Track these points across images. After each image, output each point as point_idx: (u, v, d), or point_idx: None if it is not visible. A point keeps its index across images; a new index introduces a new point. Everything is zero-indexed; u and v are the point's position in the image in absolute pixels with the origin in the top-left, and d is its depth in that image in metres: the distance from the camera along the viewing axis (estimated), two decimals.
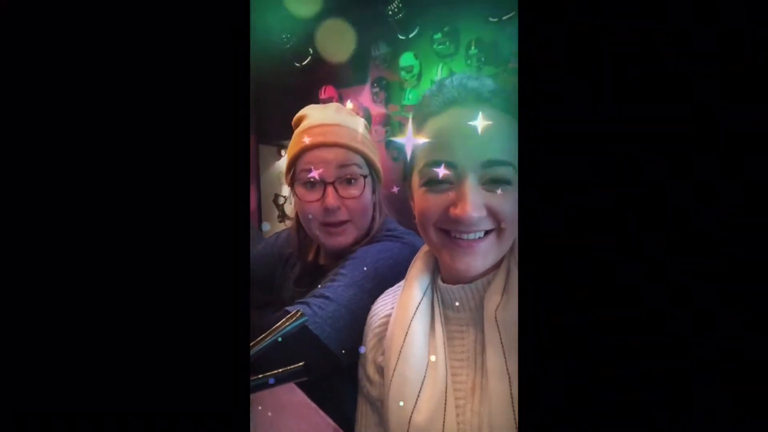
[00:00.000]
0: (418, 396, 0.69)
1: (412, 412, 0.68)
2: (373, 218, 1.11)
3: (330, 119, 1.08)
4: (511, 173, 0.67)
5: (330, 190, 1.04)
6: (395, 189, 1.08)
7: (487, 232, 0.68)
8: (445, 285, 0.75)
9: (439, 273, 0.78)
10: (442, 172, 0.67)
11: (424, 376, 0.70)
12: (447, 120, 0.69)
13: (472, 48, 2.51)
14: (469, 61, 2.54)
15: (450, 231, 0.68)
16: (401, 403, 0.69)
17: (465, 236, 0.67)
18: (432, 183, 0.68)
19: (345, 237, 1.07)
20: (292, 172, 1.10)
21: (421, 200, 0.71)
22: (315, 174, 1.04)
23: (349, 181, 1.05)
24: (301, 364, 0.57)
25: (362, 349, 0.85)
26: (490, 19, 2.47)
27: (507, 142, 0.67)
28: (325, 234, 1.07)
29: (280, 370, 0.57)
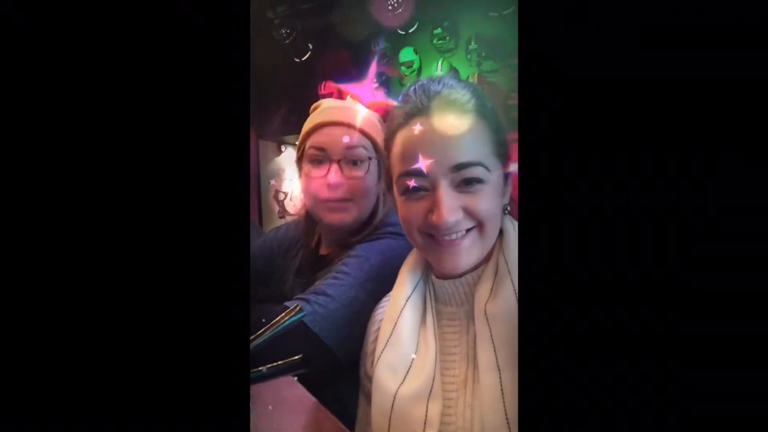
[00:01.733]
0: (401, 383, 0.71)
1: (394, 399, 0.70)
2: (376, 206, 1.11)
3: (343, 103, 1.12)
4: (482, 172, 0.69)
5: (335, 167, 1.05)
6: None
7: (468, 230, 0.70)
8: (437, 280, 0.77)
9: (432, 269, 0.80)
10: (413, 182, 0.70)
11: (410, 365, 0.72)
12: (412, 131, 0.71)
13: (472, 43, 2.50)
14: (469, 56, 2.54)
15: (433, 234, 0.71)
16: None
17: (447, 237, 0.70)
18: (408, 192, 0.71)
19: (346, 214, 1.07)
20: (302, 150, 1.12)
21: (402, 208, 0.74)
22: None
23: (354, 161, 1.06)
24: (298, 357, 0.57)
25: None
26: (491, 14, 2.46)
27: (475, 142, 0.69)
28: (325, 209, 1.08)
29: (279, 362, 0.57)
